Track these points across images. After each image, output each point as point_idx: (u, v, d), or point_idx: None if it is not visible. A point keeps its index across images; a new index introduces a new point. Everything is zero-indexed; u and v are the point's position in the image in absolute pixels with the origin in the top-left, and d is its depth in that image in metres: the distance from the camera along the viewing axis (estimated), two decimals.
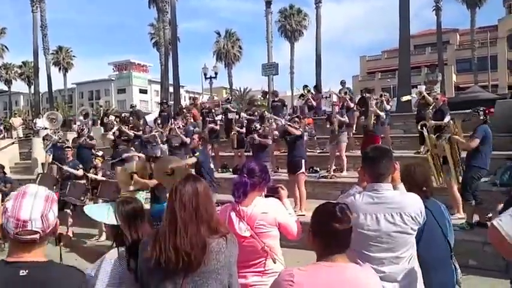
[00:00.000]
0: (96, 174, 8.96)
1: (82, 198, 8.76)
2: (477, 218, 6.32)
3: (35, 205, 1.54)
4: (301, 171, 7.88)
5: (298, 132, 8.06)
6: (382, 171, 2.40)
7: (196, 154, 7.16)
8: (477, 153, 6.14)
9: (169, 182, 7.17)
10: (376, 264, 2.29)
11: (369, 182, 2.46)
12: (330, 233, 1.74)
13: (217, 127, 12.47)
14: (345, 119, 10.00)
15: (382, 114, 9.46)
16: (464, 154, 6.59)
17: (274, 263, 2.54)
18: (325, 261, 1.76)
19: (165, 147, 10.77)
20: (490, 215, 5.99)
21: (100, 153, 9.95)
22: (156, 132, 10.99)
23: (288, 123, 8.41)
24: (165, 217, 1.92)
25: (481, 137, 6.09)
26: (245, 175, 2.51)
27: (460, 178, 6.58)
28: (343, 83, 14.65)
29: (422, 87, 10.35)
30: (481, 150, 6.13)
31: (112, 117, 11.83)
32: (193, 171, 7.24)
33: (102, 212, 2.48)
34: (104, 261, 2.14)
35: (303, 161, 7.96)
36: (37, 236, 1.54)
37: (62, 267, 1.65)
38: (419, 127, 8.45)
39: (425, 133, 7.78)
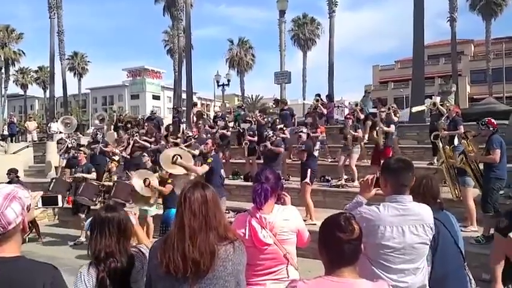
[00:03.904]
0: (110, 178, 9.06)
1: (94, 199, 8.84)
2: (492, 231, 6.22)
3: None
4: (304, 180, 7.85)
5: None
6: (406, 182, 2.42)
7: (208, 160, 7.15)
8: (494, 164, 6.07)
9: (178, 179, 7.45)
10: (399, 276, 2.31)
11: (389, 193, 2.45)
12: (334, 243, 1.70)
13: (229, 133, 12.51)
14: (359, 133, 9.89)
15: (391, 129, 9.25)
16: (481, 165, 6.52)
17: (296, 269, 2.56)
18: (331, 275, 1.70)
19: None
20: None
21: (116, 157, 10.07)
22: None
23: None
24: (175, 224, 1.93)
25: (500, 147, 6.03)
26: (264, 182, 2.51)
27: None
28: (367, 92, 14.72)
29: (437, 98, 10.27)
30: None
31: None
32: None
33: None
34: (78, 276, 2.19)
35: (309, 170, 7.89)
36: None
37: (31, 262, 1.63)
38: (432, 138, 8.41)
39: (440, 144, 7.69)
